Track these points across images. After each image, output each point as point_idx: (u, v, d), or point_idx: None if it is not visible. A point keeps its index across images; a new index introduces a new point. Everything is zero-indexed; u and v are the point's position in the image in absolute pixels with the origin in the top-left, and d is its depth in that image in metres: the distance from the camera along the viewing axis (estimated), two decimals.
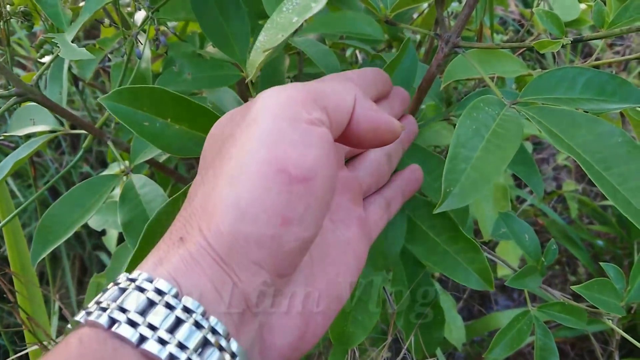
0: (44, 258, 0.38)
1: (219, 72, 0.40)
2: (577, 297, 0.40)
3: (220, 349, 0.19)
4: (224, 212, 0.20)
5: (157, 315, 0.19)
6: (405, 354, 0.44)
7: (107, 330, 0.18)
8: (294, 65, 0.51)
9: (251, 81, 0.32)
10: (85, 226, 0.55)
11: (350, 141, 0.25)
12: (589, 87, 0.29)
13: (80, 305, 0.92)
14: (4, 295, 0.50)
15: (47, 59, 0.46)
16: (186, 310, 0.19)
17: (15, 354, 0.51)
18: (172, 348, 0.18)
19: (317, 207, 0.21)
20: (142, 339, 0.18)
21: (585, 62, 0.45)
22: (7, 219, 0.43)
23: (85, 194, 0.39)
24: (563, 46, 0.30)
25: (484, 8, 0.51)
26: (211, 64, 0.41)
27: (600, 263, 0.38)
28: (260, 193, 0.20)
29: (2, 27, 0.37)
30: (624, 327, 0.86)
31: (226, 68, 0.40)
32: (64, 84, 0.44)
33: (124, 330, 0.18)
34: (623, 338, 0.40)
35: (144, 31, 0.41)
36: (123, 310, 0.19)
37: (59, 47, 0.31)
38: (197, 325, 0.19)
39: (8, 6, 0.39)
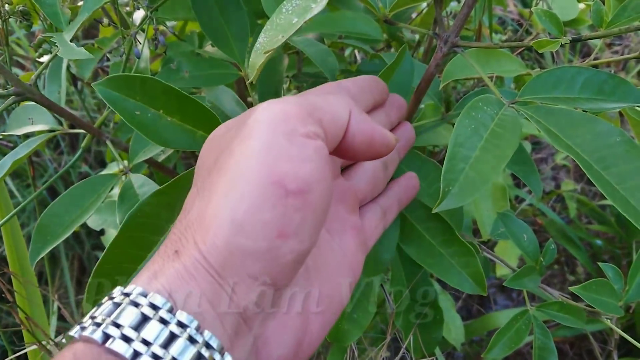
0: (42, 258, 0.38)
1: (216, 70, 0.40)
2: (575, 297, 0.40)
3: None
4: (219, 226, 0.20)
5: (151, 331, 0.19)
6: (404, 353, 0.44)
7: (101, 345, 0.18)
8: (292, 64, 0.51)
9: (251, 82, 0.32)
10: (84, 226, 0.54)
11: (345, 154, 0.25)
12: (588, 86, 0.29)
13: (79, 305, 0.92)
14: (3, 295, 0.50)
15: (45, 58, 0.46)
16: (180, 325, 0.19)
17: (14, 353, 0.51)
18: None
19: (313, 220, 0.21)
20: (136, 354, 0.18)
21: (583, 61, 0.45)
22: (5, 219, 0.43)
23: (84, 194, 0.39)
24: (562, 45, 0.30)
25: (483, 8, 0.51)
26: (209, 62, 0.41)
27: (599, 263, 0.38)
28: (256, 206, 0.20)
29: (0, 26, 0.37)
30: (623, 326, 0.86)
31: (224, 67, 0.40)
32: (62, 83, 0.44)
33: (118, 345, 0.18)
34: (622, 337, 0.40)
35: (143, 31, 0.41)
36: (117, 325, 0.19)
37: (57, 46, 0.31)
38: (191, 340, 0.19)
39: (7, 5, 0.39)
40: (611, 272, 0.38)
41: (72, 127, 0.42)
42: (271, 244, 0.20)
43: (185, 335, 0.19)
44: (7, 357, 0.53)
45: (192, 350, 0.19)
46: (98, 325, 0.19)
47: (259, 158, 0.21)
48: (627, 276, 0.37)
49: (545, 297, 0.43)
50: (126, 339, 0.18)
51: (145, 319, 0.19)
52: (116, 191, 0.39)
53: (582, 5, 0.53)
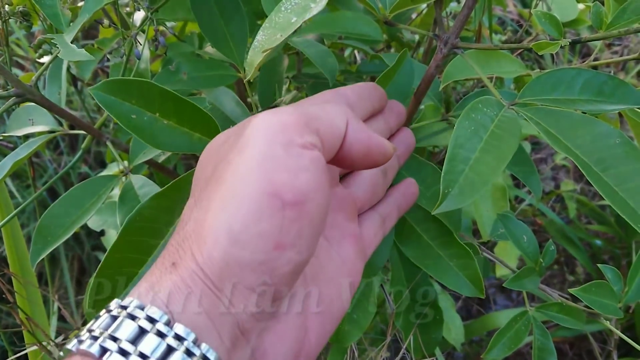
0: (42, 259, 0.38)
1: (215, 72, 0.40)
2: (575, 297, 0.40)
3: None
4: (216, 237, 0.20)
5: (149, 344, 0.19)
6: (404, 353, 0.44)
7: (99, 359, 0.19)
8: (292, 65, 0.51)
9: (249, 81, 0.32)
10: (84, 227, 0.54)
11: (343, 163, 0.25)
12: (588, 88, 0.29)
13: (79, 305, 0.92)
14: (3, 296, 0.50)
15: (45, 59, 0.46)
16: (178, 337, 0.19)
17: (15, 354, 0.51)
18: None
19: (310, 231, 0.21)
20: None
21: (583, 62, 0.45)
22: (6, 220, 0.43)
23: (84, 195, 0.39)
24: (561, 46, 0.30)
25: (483, 8, 0.51)
26: (208, 63, 0.41)
27: (598, 265, 0.38)
28: (253, 218, 0.20)
29: (0, 27, 0.37)
30: (622, 326, 0.86)
31: (223, 68, 0.40)
32: (62, 84, 0.44)
33: (115, 359, 0.18)
34: (621, 337, 0.40)
35: (143, 31, 0.41)
36: (114, 339, 0.19)
37: (57, 47, 0.31)
38: (189, 353, 0.19)
39: (7, 6, 0.39)
40: (610, 274, 0.38)
41: (72, 127, 0.42)
42: (268, 255, 0.20)
43: (182, 348, 0.19)
44: (7, 357, 0.53)
45: None
46: (95, 338, 0.19)
47: (256, 169, 0.21)
48: (627, 277, 0.37)
49: (545, 298, 0.43)
50: (123, 353, 0.18)
51: (142, 332, 0.19)
52: (116, 192, 0.39)
53: (581, 6, 0.53)
